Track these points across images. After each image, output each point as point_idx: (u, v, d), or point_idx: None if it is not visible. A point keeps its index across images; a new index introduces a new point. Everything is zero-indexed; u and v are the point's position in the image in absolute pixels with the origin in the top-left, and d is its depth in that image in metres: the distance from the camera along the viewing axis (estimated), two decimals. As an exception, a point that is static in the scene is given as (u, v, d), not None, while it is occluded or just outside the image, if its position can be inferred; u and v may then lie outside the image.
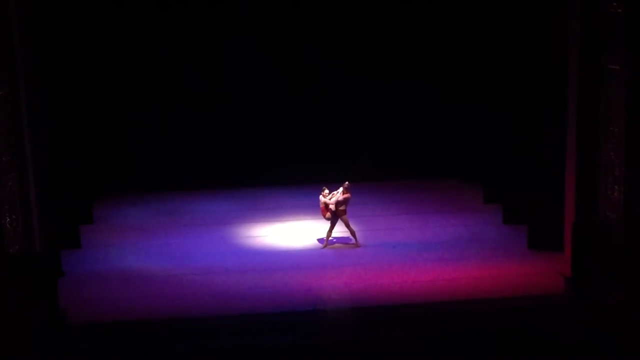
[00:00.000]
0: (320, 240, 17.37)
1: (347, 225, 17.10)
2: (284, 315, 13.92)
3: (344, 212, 16.99)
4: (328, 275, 15.70)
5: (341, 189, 17.08)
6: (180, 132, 21.18)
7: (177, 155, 21.30)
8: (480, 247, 16.83)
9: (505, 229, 17.84)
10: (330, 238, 17.23)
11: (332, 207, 16.90)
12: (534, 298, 14.31)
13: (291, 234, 18.08)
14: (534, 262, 15.93)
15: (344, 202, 16.94)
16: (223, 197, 20.95)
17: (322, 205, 17.13)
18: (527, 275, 15.27)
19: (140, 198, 20.75)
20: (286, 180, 21.49)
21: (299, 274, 15.61)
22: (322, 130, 21.46)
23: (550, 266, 15.48)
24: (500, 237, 17.39)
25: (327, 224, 17.19)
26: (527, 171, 16.77)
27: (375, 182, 21.42)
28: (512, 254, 16.39)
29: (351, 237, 17.25)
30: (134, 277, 15.62)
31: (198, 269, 16.04)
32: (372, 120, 21.63)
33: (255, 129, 21.55)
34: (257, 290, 14.93)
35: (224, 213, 19.69)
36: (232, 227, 18.57)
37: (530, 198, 16.63)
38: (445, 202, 20.02)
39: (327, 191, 17.17)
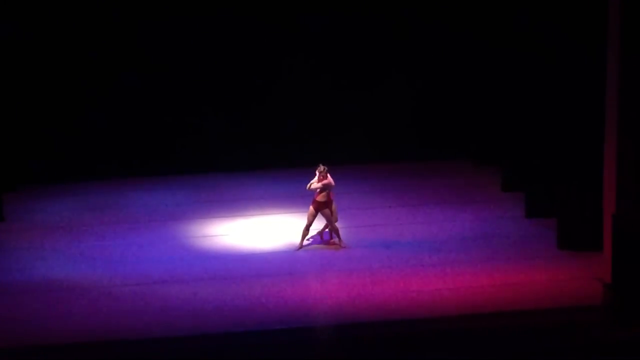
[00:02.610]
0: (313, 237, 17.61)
1: (329, 221, 17.34)
2: (249, 335, 14.06)
3: (325, 204, 17.20)
4: (305, 285, 15.87)
5: (316, 176, 17.21)
6: (111, 102, 21.24)
7: (108, 134, 21.37)
8: (497, 247, 17.07)
9: (529, 223, 18.13)
10: (306, 237, 17.46)
11: (318, 187, 16.96)
12: (564, 310, 14.54)
13: (258, 232, 18.24)
14: (565, 265, 16.19)
15: (325, 190, 17.13)
16: (170, 186, 21.03)
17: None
18: (557, 282, 15.54)
19: (63, 189, 20.80)
20: (251, 164, 21.61)
21: (268, 284, 15.76)
22: (298, 99, 21.58)
23: (585, 270, 15.77)
24: (523, 234, 17.65)
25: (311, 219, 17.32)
26: (556, 152, 17.04)
27: (366, 165, 21.62)
28: (537, 255, 16.65)
29: (334, 235, 17.50)
30: (55, 290, 15.69)
31: (139, 278, 16.15)
32: (363, 85, 21.77)
33: (211, 97, 21.62)
34: (216, 304, 15.07)
35: (172, 207, 19.80)
36: (182, 225, 18.69)
37: (560, 185, 16.90)
38: (454, 191, 20.26)
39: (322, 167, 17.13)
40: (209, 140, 21.59)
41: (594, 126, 15.46)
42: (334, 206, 17.29)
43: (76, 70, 20.87)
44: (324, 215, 17.22)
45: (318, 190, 17.09)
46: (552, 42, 16.92)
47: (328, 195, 17.15)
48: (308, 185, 17.19)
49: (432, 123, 22.15)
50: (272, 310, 14.80)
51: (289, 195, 17.68)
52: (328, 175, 17.09)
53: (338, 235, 17.36)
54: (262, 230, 18.31)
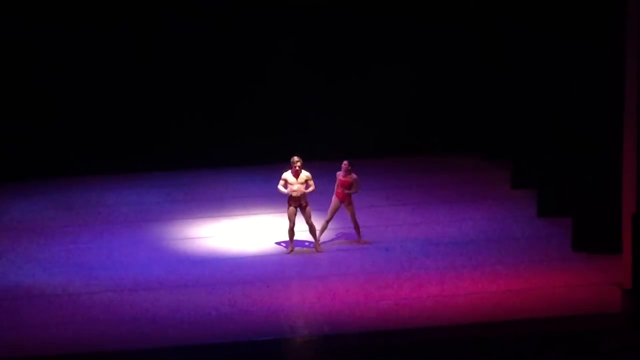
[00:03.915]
0: (283, 243, 17.54)
1: (308, 220, 17.10)
2: (235, 346, 13.99)
3: (301, 199, 16.97)
4: (298, 292, 15.86)
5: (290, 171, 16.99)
6: (86, 96, 21.31)
7: (82, 128, 21.42)
8: (507, 249, 17.03)
9: (541, 223, 18.12)
10: (293, 239, 17.27)
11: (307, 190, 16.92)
12: (580, 319, 14.48)
13: (243, 234, 18.23)
14: (581, 268, 16.14)
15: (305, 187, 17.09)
16: (149, 184, 21.08)
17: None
18: (572, 287, 15.47)
19: (33, 186, 20.82)
20: (236, 161, 21.66)
21: (254, 290, 15.71)
22: (287, 91, 21.62)
23: (602, 274, 15.71)
24: (535, 235, 17.63)
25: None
26: (570, 146, 16.97)
27: (365, 160, 21.52)
28: (551, 257, 16.61)
29: (312, 237, 17.28)
30: (24, 297, 15.65)
31: (116, 284, 16.09)
32: (361, 75, 21.84)
33: (194, 91, 21.68)
34: (199, 312, 14.98)
35: (151, 206, 19.81)
36: (161, 226, 18.69)
37: (575, 182, 16.84)
38: (461, 188, 20.31)
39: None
40: (191, 135, 21.68)
41: (610, 118, 15.42)
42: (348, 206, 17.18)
43: (51, 66, 21.01)
44: (303, 212, 17.00)
45: (298, 190, 16.91)
46: (568, 34, 16.92)
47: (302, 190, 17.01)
48: (282, 186, 16.92)
49: (438, 116, 22.22)
50: (260, 319, 14.70)
51: (276, 194, 17.57)
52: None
53: (315, 237, 17.15)
54: (248, 232, 18.27)
